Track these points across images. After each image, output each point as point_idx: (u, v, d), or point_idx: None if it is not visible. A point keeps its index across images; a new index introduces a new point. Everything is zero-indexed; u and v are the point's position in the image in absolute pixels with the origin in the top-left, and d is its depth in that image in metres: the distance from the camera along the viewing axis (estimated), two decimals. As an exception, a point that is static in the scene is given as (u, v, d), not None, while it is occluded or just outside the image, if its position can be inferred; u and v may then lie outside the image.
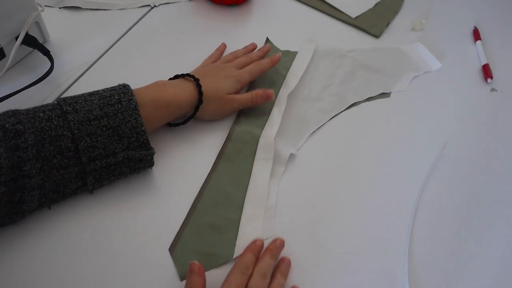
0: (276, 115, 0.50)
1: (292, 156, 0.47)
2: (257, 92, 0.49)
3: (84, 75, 0.52)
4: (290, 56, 0.58)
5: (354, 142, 0.50)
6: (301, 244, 0.40)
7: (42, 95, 0.49)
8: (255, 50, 0.56)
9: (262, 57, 0.54)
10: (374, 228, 0.42)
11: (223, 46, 0.57)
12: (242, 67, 0.50)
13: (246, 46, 0.56)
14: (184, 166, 0.45)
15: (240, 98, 0.48)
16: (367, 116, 0.53)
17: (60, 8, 0.60)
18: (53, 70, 0.49)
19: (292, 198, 0.44)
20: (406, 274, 0.39)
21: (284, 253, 0.39)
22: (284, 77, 0.55)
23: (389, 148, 0.49)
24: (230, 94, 0.47)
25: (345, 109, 0.53)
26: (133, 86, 0.40)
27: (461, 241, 0.43)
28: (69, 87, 0.51)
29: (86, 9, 0.61)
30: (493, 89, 0.58)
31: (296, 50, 0.58)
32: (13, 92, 0.46)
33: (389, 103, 0.55)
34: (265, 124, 0.49)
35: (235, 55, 0.53)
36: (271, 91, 0.49)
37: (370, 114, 0.53)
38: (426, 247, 0.42)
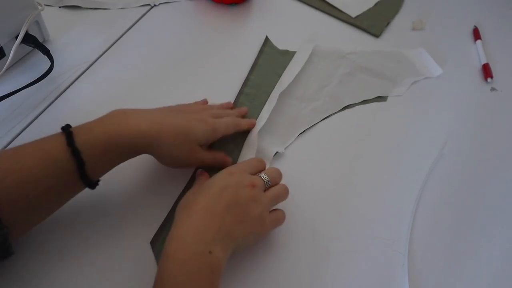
0: (265, 112, 0.50)
1: (279, 154, 0.47)
2: (221, 155, 0.43)
3: (84, 74, 0.52)
4: (288, 56, 0.58)
5: (355, 142, 0.50)
6: (301, 244, 0.40)
7: (42, 94, 0.49)
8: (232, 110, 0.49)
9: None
10: (374, 228, 0.42)
11: (205, 101, 0.49)
12: (218, 118, 0.43)
13: (222, 103, 0.49)
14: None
15: (204, 155, 0.41)
16: (366, 116, 0.52)
17: (60, 7, 0.60)
18: (53, 69, 0.49)
19: (292, 197, 0.43)
20: (406, 274, 0.39)
21: (284, 253, 0.39)
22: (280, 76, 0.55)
23: (389, 148, 0.49)
24: (201, 144, 0.40)
25: (340, 110, 0.52)
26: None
27: (461, 241, 0.43)
28: (69, 86, 0.51)
29: (86, 8, 0.61)
30: (493, 89, 0.58)
31: (295, 50, 0.58)
32: (13, 91, 0.46)
33: (388, 102, 0.55)
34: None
35: (209, 107, 0.47)
36: (229, 159, 0.44)
37: (369, 113, 0.53)
38: (426, 247, 0.42)
